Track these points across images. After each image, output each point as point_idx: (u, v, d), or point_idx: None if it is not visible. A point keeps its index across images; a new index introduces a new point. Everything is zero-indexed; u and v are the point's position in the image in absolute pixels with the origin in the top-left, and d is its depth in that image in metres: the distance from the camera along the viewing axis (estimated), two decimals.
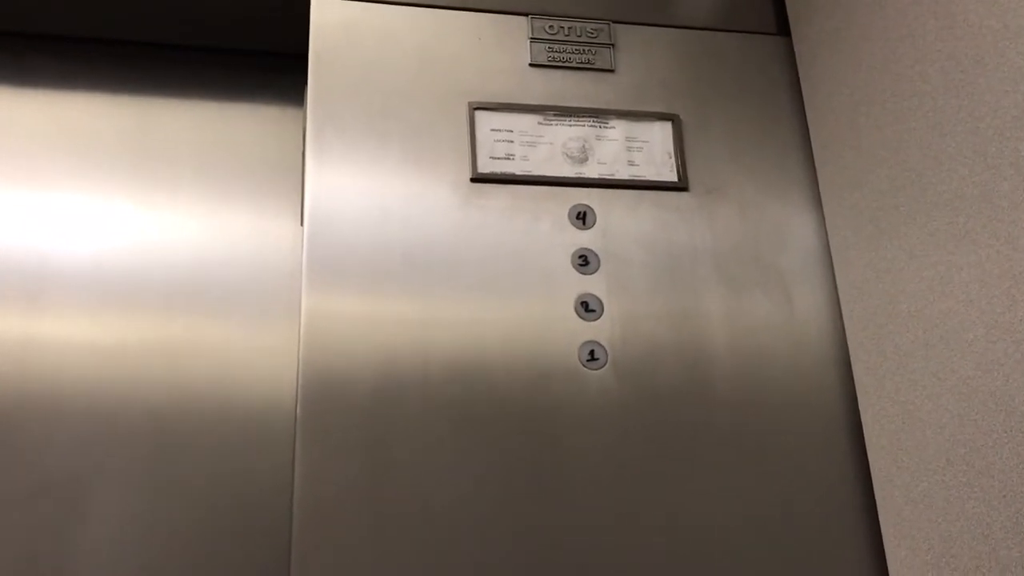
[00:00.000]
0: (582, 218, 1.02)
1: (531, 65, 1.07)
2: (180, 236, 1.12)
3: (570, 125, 1.05)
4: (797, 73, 1.13)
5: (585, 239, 1.01)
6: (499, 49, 1.07)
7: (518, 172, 1.02)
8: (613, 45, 1.10)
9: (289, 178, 1.16)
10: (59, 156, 1.12)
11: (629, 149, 1.05)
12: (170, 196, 1.13)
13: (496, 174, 1.01)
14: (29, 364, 1.04)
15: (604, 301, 0.99)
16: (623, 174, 1.04)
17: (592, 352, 0.96)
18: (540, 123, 1.04)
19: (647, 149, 1.06)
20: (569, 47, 1.09)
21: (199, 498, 1.02)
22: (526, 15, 1.09)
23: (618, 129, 1.06)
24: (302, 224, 0.96)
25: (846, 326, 1.01)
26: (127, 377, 1.05)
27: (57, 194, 1.11)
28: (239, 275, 1.11)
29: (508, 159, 1.02)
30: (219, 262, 1.11)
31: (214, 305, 1.09)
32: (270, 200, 1.15)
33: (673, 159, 1.06)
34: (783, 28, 1.16)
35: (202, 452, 1.04)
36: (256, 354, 1.08)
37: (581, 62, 1.08)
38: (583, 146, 1.04)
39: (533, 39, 1.08)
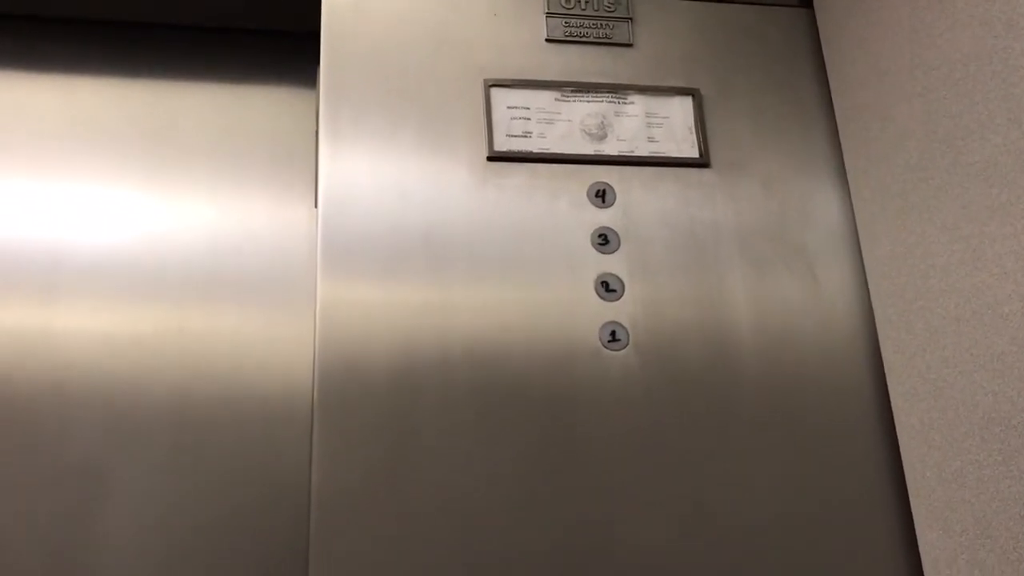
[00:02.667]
0: (601, 196, 0.99)
1: (547, 40, 1.05)
2: (194, 222, 1.10)
3: (588, 101, 1.03)
4: (820, 45, 1.10)
5: (605, 218, 0.99)
6: (515, 25, 1.05)
7: (535, 150, 1.00)
8: (631, 19, 1.08)
9: (305, 161, 1.14)
10: (71, 142, 1.11)
11: (649, 125, 1.03)
12: (183, 181, 1.12)
13: (513, 152, 0.99)
14: (45, 354, 1.03)
15: (625, 281, 0.97)
16: (643, 151, 1.02)
17: (613, 333, 0.94)
18: (557, 100, 1.02)
19: (667, 125, 1.03)
20: (586, 21, 1.06)
21: (218, 486, 1.01)
22: None
23: (637, 105, 1.04)
24: (316, 207, 0.95)
25: (873, 303, 0.99)
26: (144, 366, 1.04)
27: (70, 182, 1.10)
28: (255, 262, 1.10)
29: (525, 137, 1.00)
30: (235, 249, 1.10)
31: (230, 292, 1.08)
32: (286, 184, 1.14)
33: (694, 134, 1.03)
34: None
35: (220, 440, 1.03)
36: (274, 341, 1.07)
37: (599, 37, 1.06)
38: (601, 122, 1.02)
39: (549, 14, 1.06)
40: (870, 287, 1.00)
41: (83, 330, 1.04)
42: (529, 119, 1.01)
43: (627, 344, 0.94)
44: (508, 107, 1.01)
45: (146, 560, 0.97)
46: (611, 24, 1.07)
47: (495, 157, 0.99)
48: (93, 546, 0.97)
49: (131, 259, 1.08)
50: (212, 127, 1.14)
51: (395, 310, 0.92)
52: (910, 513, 0.92)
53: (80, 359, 1.03)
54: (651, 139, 1.02)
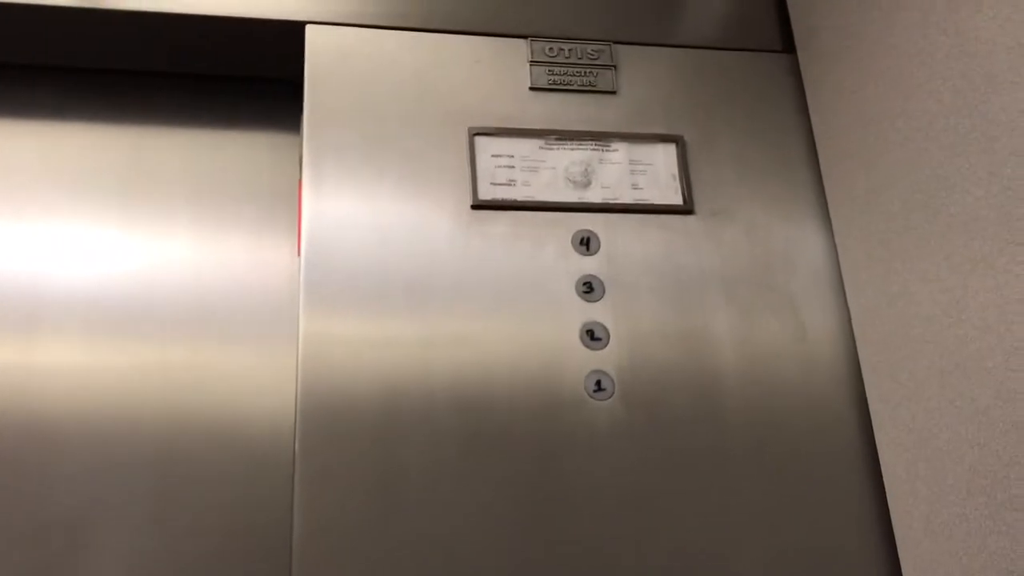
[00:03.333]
0: (586, 244, 0.99)
1: (531, 88, 1.05)
2: (177, 267, 1.10)
3: (572, 149, 1.03)
4: (803, 91, 1.11)
5: (589, 265, 0.99)
6: (498, 73, 1.05)
7: (520, 198, 1.00)
8: (615, 66, 1.08)
9: (286, 206, 1.14)
10: (53, 187, 1.11)
11: (633, 172, 1.03)
12: (166, 226, 1.11)
13: (497, 200, 0.99)
14: (26, 395, 1.01)
15: (610, 329, 0.96)
16: (627, 198, 1.02)
17: (599, 382, 0.94)
18: (541, 147, 1.02)
19: (651, 172, 1.03)
20: (570, 69, 1.07)
21: (202, 528, 1.00)
22: (525, 37, 1.07)
23: (621, 152, 1.04)
24: (299, 254, 0.94)
25: (859, 352, 0.99)
26: (126, 408, 1.03)
27: (53, 225, 1.09)
28: (239, 304, 1.09)
29: (509, 185, 1.00)
30: (217, 292, 1.09)
31: (214, 334, 1.07)
32: (267, 229, 1.13)
33: (678, 181, 1.04)
34: (788, 46, 1.14)
35: (204, 481, 1.01)
36: (258, 382, 1.06)
37: (582, 84, 1.06)
38: (585, 170, 1.02)
39: (533, 62, 1.06)
40: (856, 335, 0.99)
41: (65, 371, 1.03)
42: (513, 167, 1.01)
43: (612, 393, 0.94)
44: (492, 155, 1.01)
45: None
46: (595, 72, 1.07)
47: (479, 205, 0.98)
48: None
49: (113, 301, 1.07)
50: (194, 173, 1.14)
51: (377, 354, 0.91)
52: (898, 563, 0.92)
53: (61, 400, 1.02)
54: (635, 186, 1.03)
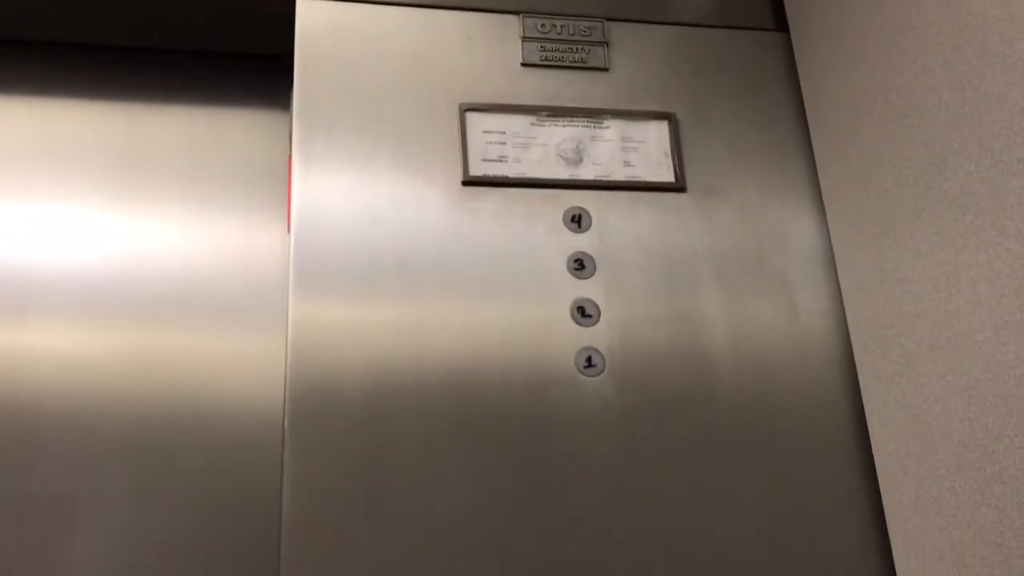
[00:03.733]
0: (577, 221, 0.99)
1: (523, 65, 1.05)
2: (167, 245, 1.09)
3: (564, 126, 1.02)
4: (796, 69, 1.11)
5: (581, 243, 0.98)
6: (490, 49, 1.05)
7: (511, 175, 0.99)
8: (607, 43, 1.08)
9: (278, 184, 1.13)
10: (43, 165, 1.10)
11: (624, 149, 1.03)
12: (156, 204, 1.11)
13: (488, 177, 0.99)
14: (14, 377, 1.01)
15: (601, 306, 0.96)
16: (619, 175, 1.02)
17: (589, 359, 0.94)
18: (533, 124, 1.02)
19: (643, 149, 1.03)
20: (562, 46, 1.06)
21: (189, 511, 0.99)
22: (517, 13, 1.07)
23: (613, 129, 1.03)
24: (289, 232, 0.94)
25: (850, 329, 0.98)
26: (115, 389, 1.02)
27: (42, 204, 1.09)
28: (228, 285, 1.09)
29: (500, 161, 0.99)
30: (208, 271, 1.09)
31: (203, 315, 1.07)
32: (259, 207, 1.13)
33: (670, 159, 1.03)
34: (781, 24, 1.13)
35: (192, 464, 1.01)
36: (247, 364, 1.06)
37: (574, 61, 1.06)
38: (577, 147, 1.02)
39: (525, 38, 1.06)
40: (847, 313, 0.99)
41: (53, 353, 1.03)
42: (505, 143, 1.00)
43: (603, 370, 0.94)
44: (483, 131, 1.00)
45: None
46: (587, 48, 1.07)
47: (470, 182, 0.98)
48: (62, 573, 0.95)
49: (103, 282, 1.06)
50: (186, 150, 1.13)
51: (368, 334, 0.91)
52: (887, 539, 0.92)
53: (50, 382, 1.01)
54: (627, 163, 1.02)
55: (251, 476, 1.02)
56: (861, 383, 0.96)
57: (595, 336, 0.95)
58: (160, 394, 1.03)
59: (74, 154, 1.11)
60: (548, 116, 1.02)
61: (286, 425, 0.86)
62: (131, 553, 0.97)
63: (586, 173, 1.01)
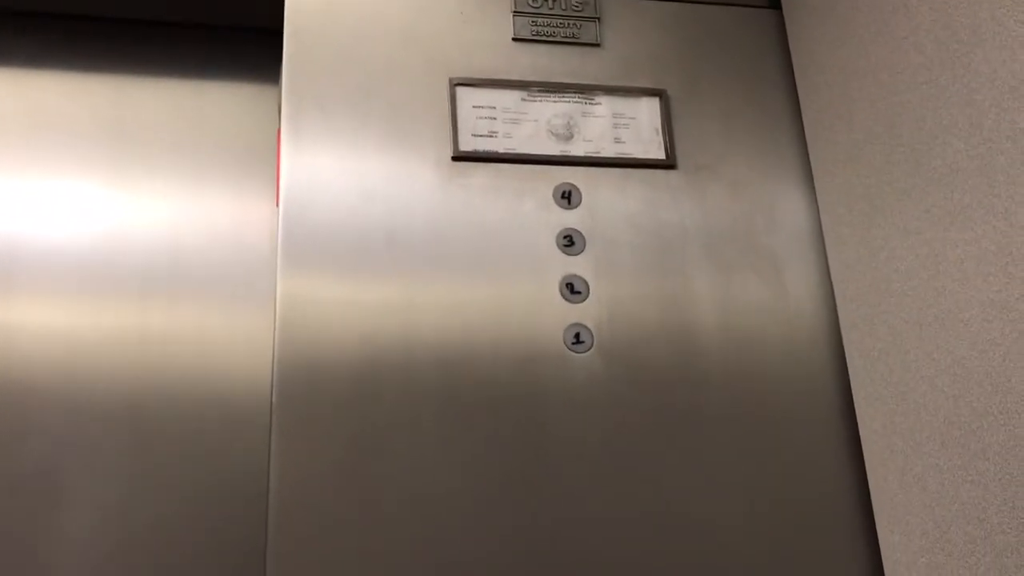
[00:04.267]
0: (567, 197, 0.99)
1: (514, 39, 1.04)
2: (156, 219, 1.08)
3: (555, 101, 1.02)
4: (788, 47, 1.10)
5: (570, 219, 0.98)
6: (481, 23, 1.04)
7: (501, 150, 0.99)
8: (599, 18, 1.07)
9: (267, 158, 1.13)
10: (31, 137, 1.09)
11: (616, 126, 1.02)
12: (145, 178, 1.10)
13: (478, 152, 0.98)
14: (2, 351, 1.01)
15: (590, 283, 0.96)
16: (609, 152, 1.01)
17: (578, 335, 0.94)
18: (524, 99, 1.01)
19: (634, 126, 1.03)
20: (554, 21, 1.06)
21: (177, 485, 0.99)
22: None
23: (604, 105, 1.03)
24: (278, 205, 0.93)
25: (838, 306, 0.99)
26: (103, 364, 1.02)
27: (29, 177, 1.08)
28: (218, 259, 1.08)
29: (491, 137, 0.99)
30: (197, 246, 1.08)
31: (192, 290, 1.06)
32: (249, 181, 1.12)
33: (661, 136, 1.03)
34: (773, 1, 1.13)
35: (180, 439, 1.01)
36: (235, 340, 1.05)
37: (566, 36, 1.05)
38: (568, 123, 1.01)
39: (516, 12, 1.05)
40: (835, 290, 1.00)
41: (41, 327, 1.02)
42: (495, 119, 1.00)
43: (591, 346, 0.94)
44: (474, 106, 1.00)
45: (106, 560, 0.96)
46: (578, 24, 1.06)
47: (460, 157, 0.98)
48: (51, 545, 0.95)
49: (91, 255, 1.06)
50: (174, 123, 1.12)
51: (357, 309, 0.90)
52: (872, 515, 0.92)
53: (38, 356, 1.01)
54: (618, 140, 1.02)
55: (241, 449, 1.02)
56: (848, 360, 0.97)
57: (584, 312, 0.95)
58: (149, 368, 1.03)
59: (62, 127, 1.10)
60: (539, 91, 1.02)
61: (274, 402, 0.86)
62: (120, 525, 0.97)
63: (577, 149, 1.01)
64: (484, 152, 0.98)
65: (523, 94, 1.01)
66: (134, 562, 0.96)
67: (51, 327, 1.03)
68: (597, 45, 1.06)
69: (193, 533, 0.98)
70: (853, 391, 0.96)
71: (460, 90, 1.00)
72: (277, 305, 0.89)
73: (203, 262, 1.08)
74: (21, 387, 1.00)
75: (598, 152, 1.01)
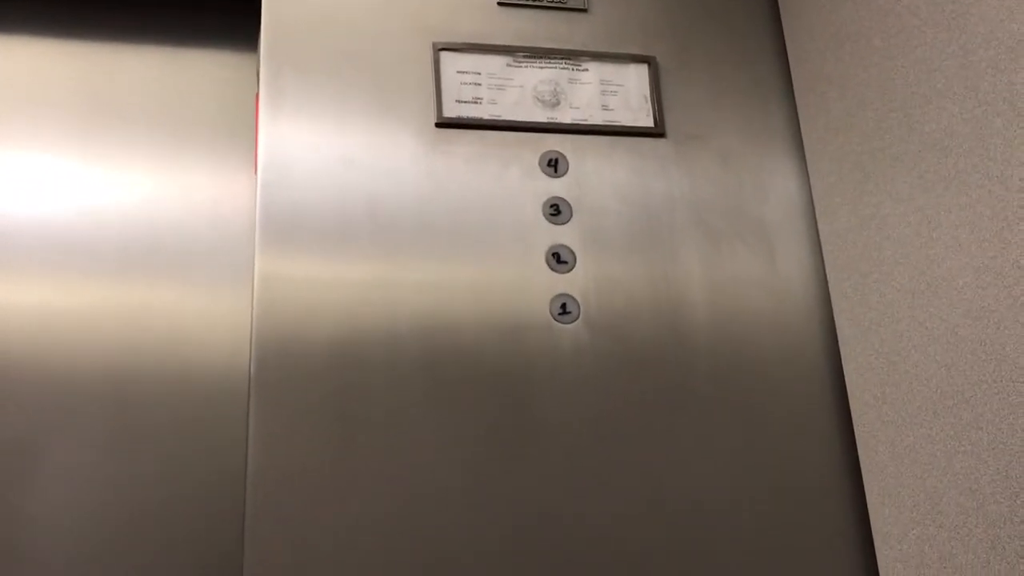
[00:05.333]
0: (554, 165, 0.97)
1: (500, 3, 1.01)
2: (134, 193, 1.06)
3: (541, 67, 1.00)
4: (779, 13, 1.08)
5: (557, 188, 0.96)
6: None
7: (486, 117, 0.96)
8: None
9: (247, 128, 1.10)
10: (5, 109, 1.06)
11: (603, 93, 1.00)
12: (123, 150, 1.07)
13: (462, 119, 0.96)
14: None
15: (576, 253, 0.94)
16: (597, 119, 0.99)
17: (564, 305, 0.92)
18: (509, 65, 0.99)
19: (622, 93, 1.01)
20: None
21: (154, 465, 0.97)
22: None
23: (592, 72, 1.01)
24: (256, 173, 0.91)
25: (829, 276, 0.97)
26: (81, 339, 1.00)
27: (4, 149, 1.05)
28: (197, 233, 1.05)
29: (475, 103, 0.97)
30: (175, 220, 1.06)
31: (171, 265, 1.04)
32: (228, 153, 1.10)
33: (650, 104, 1.01)
34: None
35: (158, 418, 0.99)
36: (215, 314, 1.03)
37: (552, 1, 1.03)
38: (555, 89, 0.99)
39: None
40: (826, 260, 0.98)
41: (18, 302, 1.00)
42: (480, 84, 0.97)
43: (578, 317, 0.92)
44: (458, 72, 0.97)
45: (83, 531, 0.93)
46: None
47: (444, 124, 0.95)
48: (28, 517, 0.93)
49: (67, 230, 1.03)
50: (152, 92, 1.09)
51: (338, 283, 0.88)
52: (862, 488, 0.91)
53: (13, 331, 0.98)
54: (605, 107, 1.00)
55: (221, 424, 1.00)
56: (839, 331, 0.95)
57: (570, 283, 0.93)
58: (127, 344, 1.00)
59: (38, 97, 1.07)
60: (525, 57, 0.99)
61: (252, 380, 0.84)
62: (98, 498, 0.95)
63: (563, 116, 0.98)
64: (468, 119, 0.96)
65: (509, 59, 0.99)
66: (111, 531, 0.94)
67: (27, 302, 1.00)
68: (584, 11, 1.03)
69: (169, 507, 0.96)
70: (843, 361, 0.94)
71: (444, 55, 0.97)
72: (255, 279, 0.87)
73: (183, 237, 1.05)
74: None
75: (585, 120, 0.99)
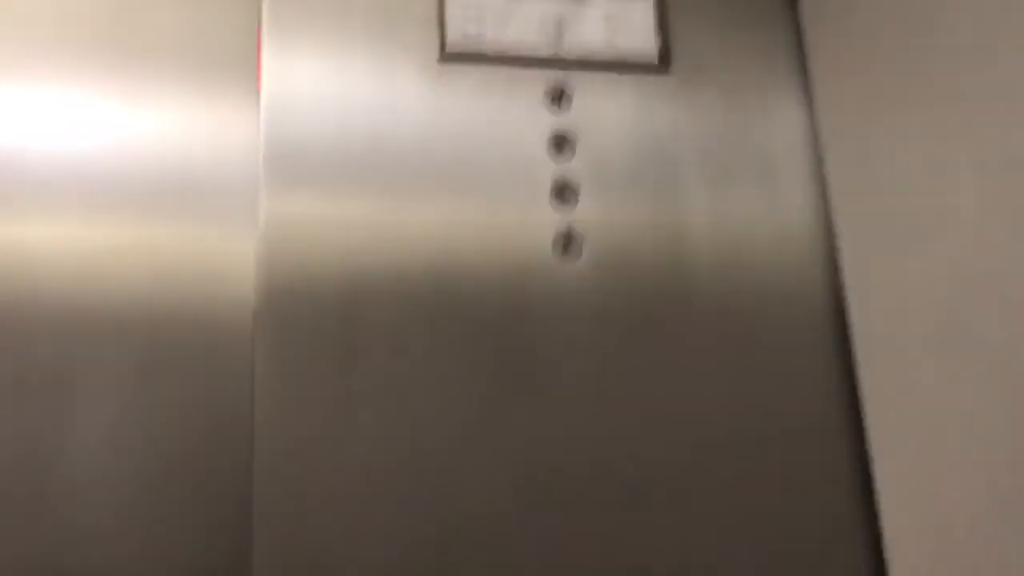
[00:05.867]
0: (558, 99, 0.96)
1: None
2: (164, 130, 1.05)
3: (545, 0, 0.98)
4: None
5: (561, 121, 0.95)
6: None
7: (489, 50, 0.95)
8: None
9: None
10: (30, 44, 1.05)
11: (608, 26, 0.99)
12: (152, 85, 1.06)
13: (466, 52, 0.95)
14: (2, 267, 0.98)
15: (580, 188, 0.93)
16: (602, 53, 0.98)
17: (567, 242, 0.92)
18: None
19: (628, 26, 0.99)
20: None
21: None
22: None
23: (596, 5, 0.99)
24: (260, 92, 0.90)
25: (834, 211, 0.96)
26: (109, 279, 1.00)
27: (29, 86, 1.04)
28: (229, 170, 1.05)
29: (479, 36, 0.95)
30: (207, 159, 1.05)
31: (201, 204, 1.03)
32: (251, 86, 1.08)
33: (655, 38, 0.99)
34: None
35: (189, 352, 0.99)
36: (246, 252, 1.03)
37: None
38: (559, 22, 0.98)
39: None
40: (831, 198, 0.97)
41: (43, 242, 1.00)
42: (484, 17, 0.96)
43: (581, 253, 0.92)
44: (462, 5, 0.96)
45: (118, 465, 0.95)
46: None
47: (448, 57, 0.94)
48: (64, 453, 0.95)
49: (95, 169, 1.02)
50: (183, 25, 1.08)
51: (341, 220, 0.88)
52: (863, 428, 0.91)
53: (40, 271, 0.99)
54: (611, 41, 0.98)
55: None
56: (843, 269, 0.95)
57: (574, 218, 0.93)
58: (157, 283, 1.00)
59: (63, 33, 1.05)
60: None
61: (255, 323, 0.84)
62: (132, 433, 0.95)
63: (568, 50, 0.97)
64: (472, 52, 0.95)
65: None
66: (146, 461, 0.95)
67: (53, 243, 1.00)
68: None
69: (202, 436, 0.97)
70: (847, 297, 0.94)
71: None
72: (261, 217, 0.87)
73: (213, 175, 1.04)
74: (23, 302, 0.98)
75: (590, 53, 0.98)
